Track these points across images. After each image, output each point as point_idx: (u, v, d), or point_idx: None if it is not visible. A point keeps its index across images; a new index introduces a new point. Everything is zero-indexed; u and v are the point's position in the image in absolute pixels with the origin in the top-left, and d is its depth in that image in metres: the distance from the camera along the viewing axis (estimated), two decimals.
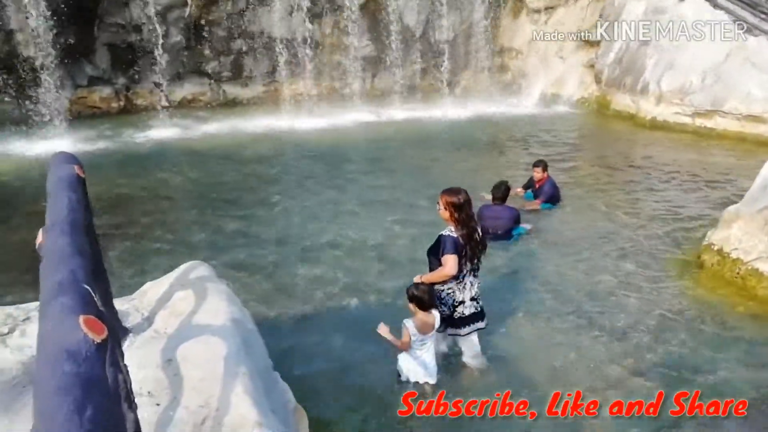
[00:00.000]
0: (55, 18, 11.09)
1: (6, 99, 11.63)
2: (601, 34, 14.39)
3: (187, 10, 12.76)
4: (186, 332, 2.79)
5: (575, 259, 6.20)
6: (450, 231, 3.96)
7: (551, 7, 15.79)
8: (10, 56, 11.29)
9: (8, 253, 6.26)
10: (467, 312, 4.10)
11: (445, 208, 3.95)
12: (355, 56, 14.43)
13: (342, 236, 6.63)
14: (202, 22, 13.07)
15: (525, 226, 6.91)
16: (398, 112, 13.90)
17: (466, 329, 4.13)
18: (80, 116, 12.29)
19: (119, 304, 3.16)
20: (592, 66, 14.84)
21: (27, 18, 10.94)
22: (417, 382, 3.94)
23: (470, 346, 4.19)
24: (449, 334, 4.19)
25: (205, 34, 13.24)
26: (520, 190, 8.01)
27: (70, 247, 1.73)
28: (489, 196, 7.06)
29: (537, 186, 7.80)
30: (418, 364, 3.91)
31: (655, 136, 11.91)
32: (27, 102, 11.50)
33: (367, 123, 13.02)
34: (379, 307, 5.15)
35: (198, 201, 7.98)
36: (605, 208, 7.70)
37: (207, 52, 13.49)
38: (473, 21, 15.50)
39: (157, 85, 12.85)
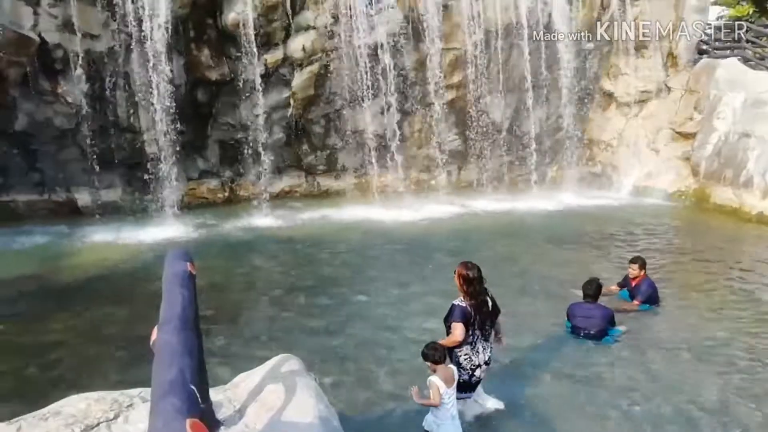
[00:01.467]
0: (177, 119, 12.44)
1: (126, 190, 12.99)
2: (698, 126, 13.98)
3: (290, 110, 13.86)
4: (275, 428, 2.83)
5: (678, 367, 5.71)
6: (460, 301, 4.53)
7: (642, 101, 15.64)
8: (135, 153, 12.69)
9: (114, 335, 6.74)
10: (482, 375, 4.67)
11: (457, 278, 4.55)
12: (443, 149, 14.86)
13: (426, 330, 6.54)
14: (302, 120, 14.11)
15: (621, 327, 6.52)
16: (485, 203, 13.95)
17: (468, 395, 4.68)
18: (189, 206, 13.37)
19: (214, 394, 3.27)
20: (687, 158, 14.32)
21: (154, 119, 12.35)
22: None
23: (482, 396, 4.79)
24: (461, 398, 4.58)
25: (303, 131, 14.25)
26: (614, 287, 7.63)
27: (180, 345, 1.86)
28: (579, 293, 6.79)
29: (633, 285, 7.40)
30: (447, 418, 4.25)
31: (762, 232, 11.07)
32: (144, 193, 12.71)
33: (454, 214, 13.13)
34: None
35: (289, 290, 8.27)
36: (710, 312, 7.12)
37: (305, 147, 14.44)
38: (560, 114, 15.62)
39: (260, 177, 13.82)
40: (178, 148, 12.76)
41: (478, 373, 4.60)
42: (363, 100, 13.89)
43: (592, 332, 6.31)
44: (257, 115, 13.39)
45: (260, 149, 13.51)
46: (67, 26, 11.58)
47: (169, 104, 12.26)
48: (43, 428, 3.01)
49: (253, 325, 6.84)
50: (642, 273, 7.35)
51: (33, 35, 11.34)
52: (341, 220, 12.67)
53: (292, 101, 13.78)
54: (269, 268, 9.39)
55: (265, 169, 13.73)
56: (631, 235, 11.17)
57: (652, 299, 7.25)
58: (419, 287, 8.14)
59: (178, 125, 12.51)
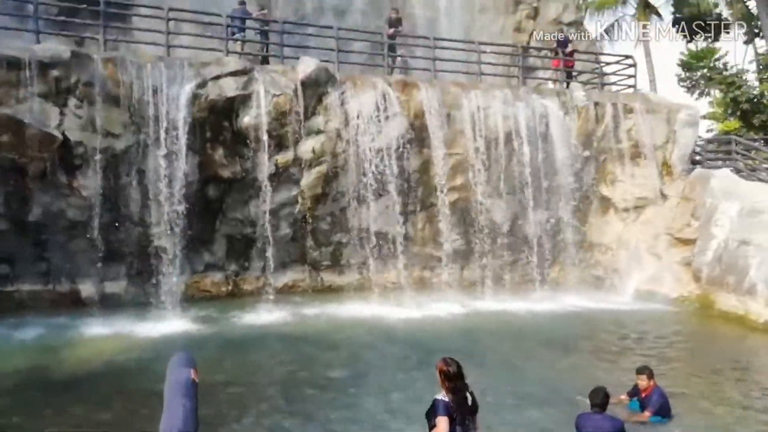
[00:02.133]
0: (187, 214, 12.75)
1: (130, 282, 13.02)
2: (697, 233, 14.27)
3: (298, 207, 14.23)
4: None
5: None
6: (443, 396, 4.62)
7: (640, 207, 16.07)
8: (142, 247, 12.87)
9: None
10: None
11: (438, 373, 4.68)
12: (445, 249, 15.06)
13: None
14: (309, 217, 14.44)
15: None
16: (487, 303, 13.93)
17: None
18: (192, 299, 13.34)
19: None
20: (688, 264, 14.48)
21: (167, 215, 12.65)
22: None
23: None
24: None
25: (309, 227, 14.53)
26: (624, 397, 7.46)
27: None
28: (586, 400, 6.65)
29: (643, 395, 7.24)
30: None
31: None
32: (149, 286, 12.74)
33: (456, 314, 13.07)
34: None
35: (288, 390, 8.08)
36: (726, 424, 6.93)
37: (310, 243, 14.65)
38: (560, 218, 15.99)
39: (264, 271, 13.90)
40: (185, 242, 12.99)
41: None
42: (368, 200, 14.32)
43: None
44: (265, 212, 13.74)
45: (267, 244, 13.72)
46: (90, 125, 12.19)
47: (180, 200, 12.65)
48: None
49: (254, 428, 6.64)
50: (651, 383, 7.23)
51: (57, 133, 11.90)
52: (343, 316, 12.60)
53: (300, 199, 14.18)
54: (269, 367, 9.23)
55: (270, 264, 13.86)
56: (638, 340, 11.07)
57: (663, 410, 7.06)
58: (420, 389, 7.94)
59: (188, 220, 12.83)
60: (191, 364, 2.89)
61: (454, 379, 4.65)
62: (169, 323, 11.56)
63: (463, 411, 4.66)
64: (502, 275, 15.52)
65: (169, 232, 12.64)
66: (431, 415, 4.69)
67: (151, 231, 12.85)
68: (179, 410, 2.34)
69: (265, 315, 12.49)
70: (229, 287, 14.14)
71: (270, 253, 13.71)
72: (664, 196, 15.85)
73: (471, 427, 4.76)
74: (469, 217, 15.24)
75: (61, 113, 12.03)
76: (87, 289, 12.67)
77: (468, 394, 4.77)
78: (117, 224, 12.73)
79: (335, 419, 6.91)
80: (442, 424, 4.54)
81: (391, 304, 13.40)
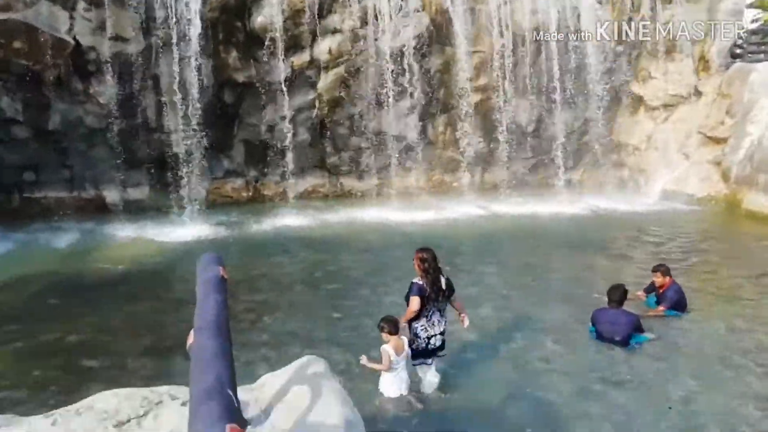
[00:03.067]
0: (204, 119, 12.66)
1: (152, 189, 13.27)
2: (730, 131, 13.72)
3: (315, 111, 13.99)
4: (301, 430, 2.90)
5: (708, 377, 5.64)
6: (418, 279, 5.28)
7: (672, 105, 15.40)
8: (162, 153, 12.95)
9: (141, 331, 6.91)
10: (438, 343, 5.37)
11: (415, 261, 5.33)
12: (466, 152, 14.84)
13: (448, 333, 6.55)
14: (327, 122, 14.23)
15: (648, 335, 6.45)
16: (509, 206, 13.89)
17: (431, 359, 5.38)
18: (214, 204, 13.59)
19: (240, 393, 3.35)
20: (718, 163, 14.06)
21: (182, 120, 12.59)
22: (400, 396, 5.10)
23: (432, 372, 5.40)
24: (417, 364, 5.36)
25: (328, 132, 14.36)
26: (641, 293, 7.54)
27: (217, 349, 1.93)
28: (604, 298, 6.75)
29: (660, 291, 7.31)
30: (398, 380, 5.12)
31: None
32: (170, 192, 12.97)
33: (477, 216, 13.12)
34: (483, 408, 4.99)
35: (312, 291, 8.37)
36: (740, 319, 6.99)
37: (329, 148, 14.56)
38: (588, 117, 15.47)
39: (283, 177, 13.97)
40: (204, 148, 13.00)
41: (432, 341, 5.33)
42: (387, 102, 13.98)
43: (617, 338, 6.26)
44: (283, 117, 13.56)
45: (285, 149, 13.67)
46: (100, 29, 11.87)
47: (196, 105, 12.50)
48: (77, 422, 3.12)
49: (277, 325, 6.93)
50: (667, 279, 7.25)
51: (68, 38, 11.65)
52: (363, 220, 12.76)
53: (317, 103, 13.90)
54: (292, 268, 9.50)
55: (290, 169, 13.90)
56: (659, 239, 11.02)
57: (679, 305, 7.14)
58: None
59: (205, 126, 12.75)
60: (220, 262, 3.01)
61: (427, 263, 5.27)
62: (192, 228, 11.88)
63: (436, 292, 5.30)
64: (524, 178, 15.36)
65: (186, 138, 12.63)
66: (408, 295, 5.34)
67: (168, 137, 12.87)
68: (212, 304, 2.44)
69: (286, 220, 12.71)
70: (250, 193, 14.31)
71: (288, 158, 13.72)
72: (698, 93, 15.10)
73: (443, 306, 5.40)
74: (493, 119, 14.84)
75: (71, 17, 11.70)
76: (111, 195, 12.99)
77: (442, 278, 5.36)
78: (135, 131, 12.76)
79: (359, 318, 7.13)
80: (414, 302, 5.24)
81: (412, 208, 13.46)
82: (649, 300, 7.43)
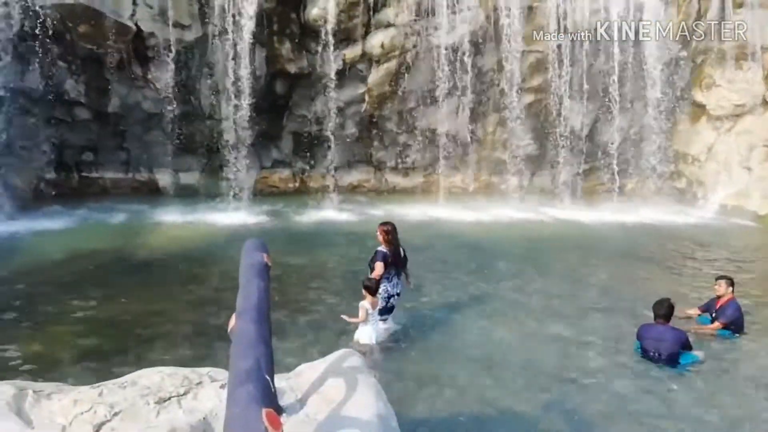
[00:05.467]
0: (255, 109, 12.92)
1: (202, 175, 13.64)
2: None
3: (364, 106, 14.06)
4: (335, 421, 2.93)
5: (752, 405, 5.37)
6: (382, 248, 6.35)
7: (736, 115, 14.73)
8: (214, 140, 13.30)
9: (186, 313, 7.13)
10: (395, 303, 6.50)
11: (379, 233, 6.43)
12: (516, 153, 14.62)
13: (482, 341, 6.48)
14: (375, 116, 14.28)
15: (697, 353, 6.19)
16: (557, 212, 13.62)
17: (388, 316, 6.44)
18: (261, 193, 13.86)
19: (277, 381, 3.41)
20: None
21: (234, 108, 12.90)
22: (372, 344, 6.03)
23: (387, 327, 6.42)
24: (382, 319, 6.31)
25: (376, 127, 14.42)
26: (693, 311, 7.21)
27: (257, 334, 1.98)
28: (650, 313, 6.52)
29: (718, 306, 6.89)
30: (372, 330, 6.10)
31: None
32: (220, 179, 13.29)
33: (524, 221, 12.92)
34: (513, 419, 4.92)
35: (351, 285, 8.39)
36: None
37: (376, 143, 14.62)
38: (645, 124, 14.96)
39: (330, 170, 14.13)
40: (254, 137, 13.27)
41: (391, 301, 6.44)
42: (438, 99, 13.90)
43: (662, 356, 6.02)
44: (331, 110, 13.69)
45: (332, 142, 13.81)
46: (161, 16, 12.27)
47: (248, 94, 12.76)
48: (121, 396, 3.24)
49: (316, 316, 7.02)
50: (729, 293, 6.87)
51: (131, 24, 12.10)
52: (408, 218, 12.69)
53: (366, 97, 13.97)
54: (333, 261, 9.57)
55: (336, 163, 14.02)
56: (715, 256, 10.57)
57: (736, 325, 6.75)
58: (480, 291, 8.07)
59: (256, 115, 13.01)
60: (264, 249, 3.05)
61: (390, 234, 6.37)
62: (239, 215, 12.17)
63: (396, 259, 6.46)
64: (575, 184, 15.02)
65: (237, 126, 12.94)
66: (372, 261, 6.37)
67: (221, 125, 13.20)
68: (255, 289, 2.50)
69: (331, 213, 12.85)
70: (296, 184, 14.52)
71: (335, 151, 13.84)
72: (765, 104, 14.39)
73: (401, 272, 6.57)
74: (545, 121, 14.56)
75: (134, 3, 12.11)
76: (164, 178, 13.45)
77: (401, 250, 6.57)
78: (189, 117, 13.14)
79: (398, 315, 7.14)
80: (378, 267, 6.27)
81: (457, 208, 13.37)
82: (702, 318, 7.12)
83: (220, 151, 13.23)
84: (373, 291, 6.11)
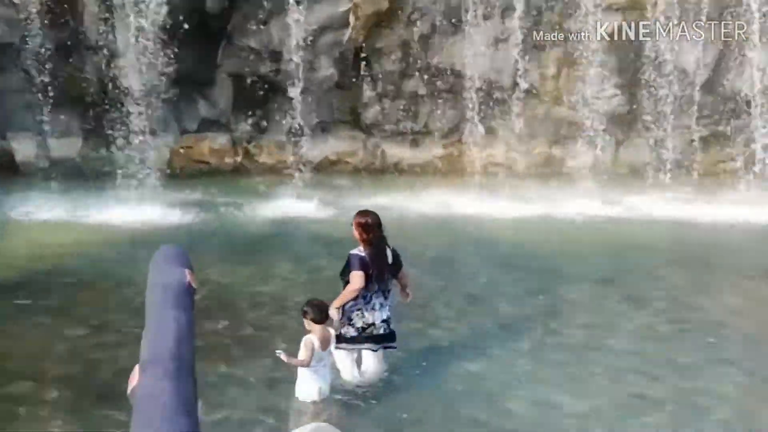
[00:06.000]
0: (171, 38, 12.89)
1: (88, 143, 13.65)
2: None
3: (347, 33, 14.05)
4: None
5: None
6: (359, 250, 6.46)
7: None
8: (105, 88, 13.26)
9: (55, 367, 7.05)
10: (376, 332, 6.57)
11: (355, 229, 6.56)
12: (592, 110, 14.65)
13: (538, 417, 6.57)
14: (365, 50, 14.29)
15: None
16: (657, 203, 13.62)
17: (378, 346, 6.65)
18: (182, 173, 13.85)
19: None
20: None
21: (135, 36, 12.87)
22: (320, 400, 6.23)
23: (377, 362, 6.69)
24: (344, 348, 6.55)
25: (366, 67, 14.42)
26: None
27: (175, 399, 1.99)
28: None
29: None
30: (318, 380, 6.21)
31: None
32: (114, 149, 13.32)
33: (602, 217, 12.88)
34: None
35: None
36: None
37: (367, 93, 14.62)
38: None
39: (292, 136, 14.11)
40: (169, 84, 13.27)
41: (369, 331, 6.55)
42: (466, 23, 13.92)
43: None
44: (295, 39, 13.67)
45: (296, 93, 13.80)
46: None
47: (160, 13, 12.75)
48: None
49: (268, 368, 7.02)
50: None
51: None
52: (416, 212, 12.71)
53: (352, 19, 13.99)
54: (297, 282, 9.54)
55: (302, 125, 14.01)
56: None
57: None
58: (537, 335, 8.01)
59: (172, 48, 12.98)
60: (185, 263, 3.01)
61: (370, 229, 6.48)
62: (145, 208, 12.12)
63: (380, 266, 6.50)
64: (685, 158, 15.06)
65: (141, 65, 12.91)
66: (345, 270, 6.52)
67: (116, 63, 13.17)
68: (171, 326, 2.45)
69: (293, 204, 12.79)
70: (237, 158, 14.54)
71: (300, 107, 13.83)
72: None
73: (388, 288, 6.65)
74: (638, 60, 14.61)
75: None
76: (25, 149, 13.46)
77: (388, 250, 6.64)
78: (66, 51, 13.10)
79: (398, 366, 7.20)
80: (356, 278, 6.34)
81: (498, 196, 13.38)
82: None
83: (113, 105, 13.22)
84: (317, 318, 6.20)
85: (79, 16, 13.14)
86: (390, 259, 6.62)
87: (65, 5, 12.89)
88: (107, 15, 13.11)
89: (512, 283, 9.82)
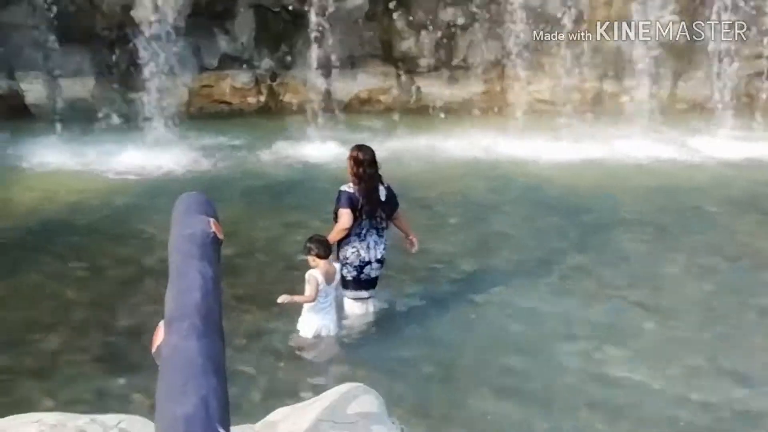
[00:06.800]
0: None
1: (101, 81, 13.70)
2: None
3: None
4: None
5: None
6: (348, 186, 6.86)
7: None
8: (118, 22, 13.28)
9: (76, 318, 7.21)
10: (373, 274, 7.03)
11: (348, 160, 6.98)
12: (648, 37, 14.40)
13: (591, 380, 6.52)
14: None
15: None
16: (721, 144, 13.54)
17: (367, 293, 7.08)
18: (200, 114, 13.92)
19: None
20: None
21: None
22: (326, 337, 6.62)
23: (365, 309, 7.10)
24: (351, 298, 7.05)
25: None
26: None
27: (202, 357, 1.99)
28: None
29: None
30: (323, 317, 6.56)
31: None
32: (129, 88, 13.42)
33: (658, 160, 12.85)
34: None
35: None
36: None
37: (400, 24, 14.53)
38: None
39: (319, 72, 14.05)
40: (186, 17, 13.26)
41: (367, 270, 6.95)
42: None
43: None
44: None
45: (323, 24, 13.75)
46: None
47: None
48: None
49: (295, 321, 7.08)
50: None
51: None
52: (455, 155, 12.78)
53: None
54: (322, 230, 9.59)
55: (330, 60, 13.99)
56: None
57: None
58: (587, 286, 8.11)
59: None
60: (209, 211, 3.01)
61: (362, 164, 6.83)
62: (162, 153, 12.25)
63: (372, 203, 6.86)
64: (755, 91, 14.81)
65: None
66: (335, 208, 6.85)
67: None
68: (196, 280, 2.46)
69: (321, 147, 12.88)
70: (261, 97, 14.56)
71: (328, 40, 13.81)
72: None
73: (382, 225, 7.00)
74: None
75: None
76: (34, 90, 13.52)
77: (382, 187, 6.99)
78: None
79: (432, 322, 7.26)
80: (344, 217, 6.72)
81: (543, 137, 13.38)
82: None
83: (127, 39, 13.24)
84: (322, 253, 6.50)
85: None
86: (383, 197, 6.99)
87: None
88: None
89: (558, 231, 9.81)
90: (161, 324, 2.32)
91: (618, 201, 10.92)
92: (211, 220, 2.94)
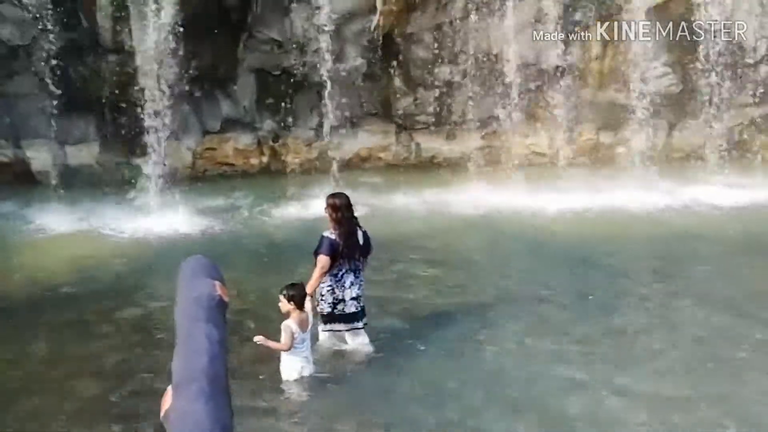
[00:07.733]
0: (187, 32, 13.01)
1: (105, 148, 13.90)
2: None
3: (375, 20, 14.12)
4: None
5: None
6: (330, 233, 7.31)
7: None
8: (122, 89, 13.45)
9: (81, 385, 7.19)
10: (347, 310, 7.42)
11: (326, 210, 7.45)
12: (642, 92, 14.57)
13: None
14: (396, 38, 14.34)
15: None
16: (717, 191, 13.51)
17: (344, 326, 7.50)
18: (204, 176, 14.06)
19: None
20: None
21: (153, 32, 12.97)
22: (302, 378, 6.98)
23: (355, 338, 7.52)
24: (327, 330, 7.54)
25: (397, 56, 14.50)
26: None
27: (211, 420, 2.05)
28: None
29: None
30: (300, 360, 6.95)
31: None
32: (133, 154, 13.57)
33: (657, 209, 12.88)
34: None
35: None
36: None
37: (398, 83, 14.70)
38: None
39: (320, 132, 14.26)
40: (189, 82, 13.46)
41: (340, 306, 7.38)
42: (502, 4, 13.90)
43: None
44: (320, 27, 13.81)
45: (325, 85, 13.92)
46: None
47: (175, 9, 12.92)
48: None
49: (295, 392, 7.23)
50: None
51: None
52: (453, 208, 12.84)
53: (379, 3, 14.01)
54: None
55: (330, 120, 14.14)
56: None
57: None
58: (603, 350, 7.99)
59: (191, 44, 13.18)
60: (215, 274, 3.01)
61: (340, 209, 7.29)
62: (166, 216, 12.33)
63: (351, 247, 7.36)
64: (746, 143, 14.96)
65: (159, 63, 13.09)
66: (316, 250, 7.25)
67: (132, 62, 13.38)
68: (203, 343, 2.40)
69: (322, 205, 12.82)
70: (264, 158, 14.73)
71: (329, 101, 13.95)
72: None
73: (359, 266, 7.51)
74: (691, 31, 14.50)
75: None
76: (40, 157, 13.68)
77: (359, 231, 7.48)
78: (79, 52, 13.37)
79: (439, 387, 7.30)
80: (321, 261, 7.20)
81: (541, 189, 13.40)
82: None
83: (132, 106, 13.41)
84: (298, 302, 6.88)
85: (91, 15, 13.34)
86: (361, 240, 7.47)
87: (78, 3, 13.13)
88: (120, 11, 13.30)
89: (562, 281, 9.92)
90: (169, 389, 2.37)
91: (617, 249, 11.01)
92: (217, 283, 2.96)
